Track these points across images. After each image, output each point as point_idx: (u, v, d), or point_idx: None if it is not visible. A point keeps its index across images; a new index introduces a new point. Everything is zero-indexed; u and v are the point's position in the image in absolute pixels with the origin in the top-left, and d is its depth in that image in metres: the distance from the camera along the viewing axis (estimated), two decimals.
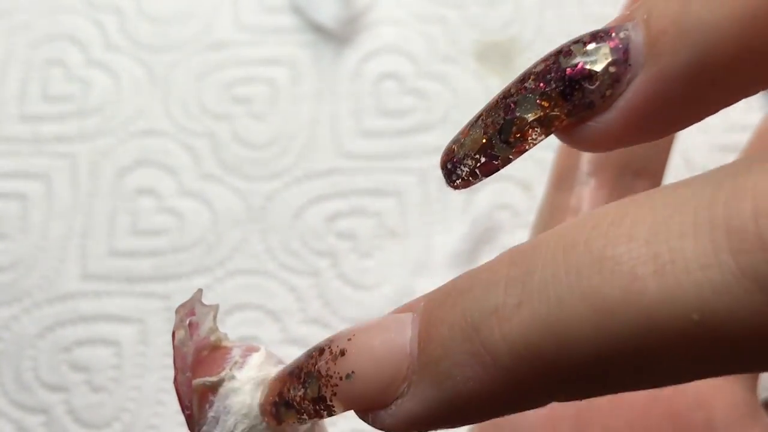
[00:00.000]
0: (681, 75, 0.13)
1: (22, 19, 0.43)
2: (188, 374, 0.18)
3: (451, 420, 0.15)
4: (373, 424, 0.15)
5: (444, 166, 0.16)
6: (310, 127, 0.40)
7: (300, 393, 0.16)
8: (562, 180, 0.27)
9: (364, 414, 0.15)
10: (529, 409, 0.14)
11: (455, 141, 0.16)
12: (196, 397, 0.18)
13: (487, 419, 0.15)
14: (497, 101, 0.15)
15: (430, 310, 0.15)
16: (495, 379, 0.13)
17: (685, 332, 0.12)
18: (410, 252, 0.36)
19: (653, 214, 0.12)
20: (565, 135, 0.15)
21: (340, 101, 0.40)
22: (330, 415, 0.16)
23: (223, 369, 0.18)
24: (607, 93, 0.14)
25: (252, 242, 0.37)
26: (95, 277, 0.37)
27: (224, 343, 0.18)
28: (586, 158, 0.26)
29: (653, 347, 0.12)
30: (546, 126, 0.15)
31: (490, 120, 0.15)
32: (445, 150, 0.16)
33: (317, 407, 0.16)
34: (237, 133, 0.40)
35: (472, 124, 0.15)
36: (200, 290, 0.19)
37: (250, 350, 0.19)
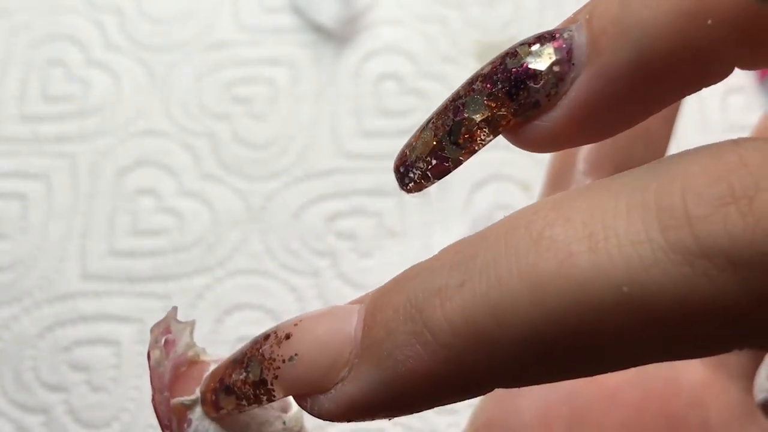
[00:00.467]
0: (622, 72, 0.14)
1: (22, 19, 0.43)
2: (166, 394, 0.18)
3: (390, 405, 0.15)
4: (311, 410, 0.15)
5: (397, 170, 0.16)
6: (310, 127, 0.40)
7: (241, 377, 0.16)
8: (558, 179, 0.27)
9: (303, 400, 0.15)
10: (469, 396, 0.14)
11: (407, 145, 0.16)
12: (175, 416, 0.18)
13: (428, 407, 0.15)
14: (447, 104, 0.15)
15: (377, 297, 0.15)
16: (435, 356, 0.13)
17: (615, 305, 0.12)
18: (410, 252, 0.36)
19: (591, 199, 0.13)
20: (513, 135, 0.15)
21: (340, 101, 0.40)
22: (270, 400, 0.16)
23: (200, 386, 0.18)
24: (552, 92, 0.14)
25: (252, 242, 0.37)
26: (95, 277, 0.37)
27: (202, 358, 0.18)
28: (582, 157, 0.26)
29: (585, 321, 0.12)
30: (493, 126, 0.15)
31: (440, 122, 0.15)
32: (398, 154, 0.16)
33: (257, 392, 0.16)
34: (237, 133, 0.40)
35: (423, 128, 0.16)
36: (175, 307, 0.19)
37: None
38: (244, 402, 0.16)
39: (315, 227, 0.37)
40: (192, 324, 0.18)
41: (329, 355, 0.15)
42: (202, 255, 0.37)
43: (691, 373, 0.25)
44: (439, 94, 0.40)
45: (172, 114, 0.40)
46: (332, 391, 0.15)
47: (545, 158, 0.27)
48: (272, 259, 0.37)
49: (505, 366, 0.13)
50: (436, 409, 0.36)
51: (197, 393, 0.18)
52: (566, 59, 0.14)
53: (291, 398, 0.19)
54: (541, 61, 0.14)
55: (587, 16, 0.14)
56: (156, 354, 0.18)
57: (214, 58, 0.41)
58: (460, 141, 0.15)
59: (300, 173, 0.39)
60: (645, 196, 0.12)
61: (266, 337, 0.16)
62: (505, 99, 0.14)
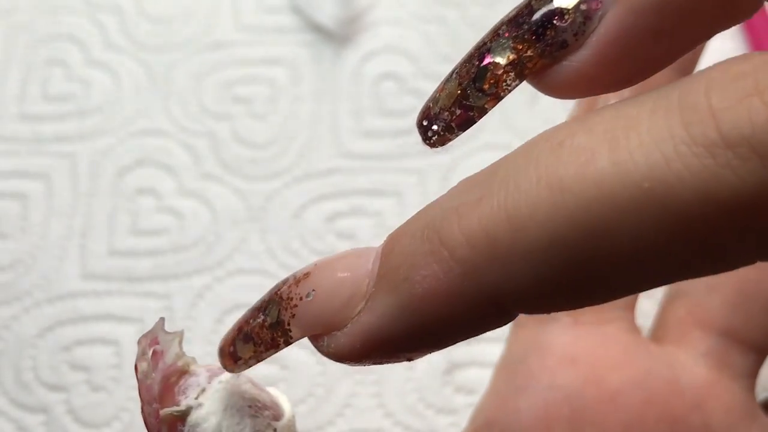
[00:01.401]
0: (651, 5, 0.13)
1: (22, 18, 0.43)
2: (155, 405, 0.18)
3: (409, 335, 0.14)
4: (327, 349, 0.15)
5: (420, 124, 0.15)
6: (310, 127, 0.40)
7: (259, 320, 0.16)
8: None
9: (320, 341, 0.15)
10: (491, 325, 0.14)
11: (431, 98, 0.15)
12: (165, 427, 0.18)
13: (449, 338, 0.14)
14: (472, 53, 0.15)
15: (396, 230, 0.15)
16: (451, 273, 0.13)
17: (636, 202, 0.12)
18: None
19: (614, 110, 0.13)
20: (540, 79, 0.15)
21: (340, 101, 0.40)
22: (287, 343, 0.16)
23: (188, 396, 0.18)
24: (580, 31, 0.14)
25: (252, 242, 0.37)
26: (95, 277, 0.37)
27: (193, 368, 0.18)
28: None
29: (606, 221, 0.12)
30: (520, 69, 0.14)
31: (464, 71, 0.15)
32: (422, 109, 0.15)
33: (275, 335, 0.16)
34: (237, 132, 0.40)
35: (447, 80, 0.15)
36: (162, 319, 0.19)
37: (217, 373, 0.18)
38: (261, 347, 0.16)
39: (315, 227, 0.37)
40: (180, 334, 0.18)
41: (346, 289, 0.15)
42: (202, 255, 0.37)
43: (693, 374, 0.25)
44: None
45: (172, 114, 0.40)
46: (348, 325, 0.14)
47: None
48: (272, 259, 0.37)
49: (523, 280, 0.13)
50: (436, 409, 0.36)
51: (187, 403, 0.18)
52: None
53: (284, 406, 0.19)
54: (570, 0, 0.14)
55: None
56: (143, 366, 0.18)
57: (214, 58, 0.41)
58: (486, 87, 0.15)
59: (300, 173, 0.39)
60: (669, 99, 0.12)
61: (285, 280, 0.16)
62: (532, 40, 0.14)
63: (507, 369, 0.27)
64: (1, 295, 0.36)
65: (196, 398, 0.18)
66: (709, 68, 0.12)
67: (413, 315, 0.14)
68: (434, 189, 0.38)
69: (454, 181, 0.42)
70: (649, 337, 0.28)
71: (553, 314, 0.26)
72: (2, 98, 0.41)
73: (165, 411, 0.18)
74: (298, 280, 0.15)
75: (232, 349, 0.17)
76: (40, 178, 0.39)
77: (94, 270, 0.37)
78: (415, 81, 0.40)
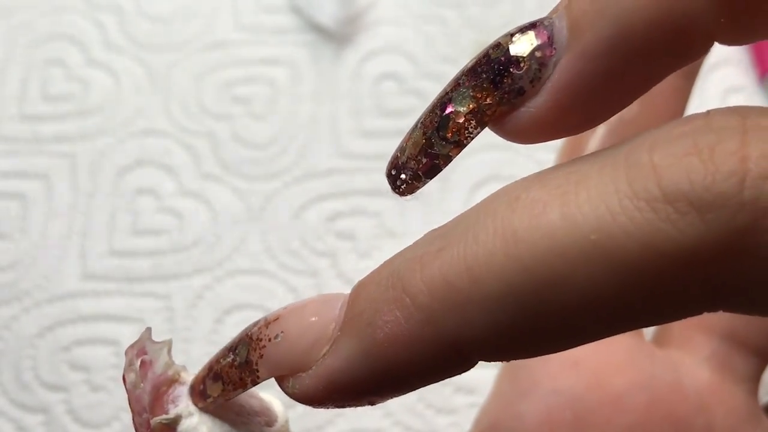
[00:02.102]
0: (602, 49, 0.14)
1: (22, 18, 0.43)
2: (145, 416, 0.18)
3: (371, 379, 0.14)
4: (292, 390, 0.15)
5: (389, 174, 0.16)
6: (309, 127, 0.40)
7: (229, 360, 0.16)
8: None
9: (286, 382, 0.15)
10: (454, 371, 0.14)
11: (398, 149, 0.16)
12: None
13: (411, 383, 0.15)
14: (434, 103, 0.16)
15: (363, 279, 0.15)
16: (412, 319, 0.14)
17: (584, 253, 0.12)
18: None
19: (568, 167, 0.13)
20: (499, 125, 0.15)
21: (339, 101, 0.40)
22: (254, 383, 0.16)
23: (179, 405, 0.18)
24: (536, 77, 0.14)
25: (251, 242, 0.37)
26: (95, 277, 0.37)
27: (183, 377, 0.18)
28: (592, 147, 0.26)
29: (556, 271, 0.12)
30: (480, 117, 0.15)
31: (428, 121, 0.16)
32: (390, 159, 0.16)
33: (242, 374, 0.16)
34: (237, 132, 0.40)
35: (413, 130, 0.16)
36: (148, 329, 0.19)
37: None
38: (229, 386, 0.16)
39: (315, 227, 0.37)
40: (169, 343, 0.18)
41: (313, 332, 0.15)
42: (202, 255, 0.37)
43: (696, 378, 0.25)
44: (438, 95, 0.40)
45: (172, 114, 0.40)
46: (314, 367, 0.15)
47: (546, 159, 0.27)
48: (272, 259, 0.37)
49: (481, 327, 0.13)
50: (436, 409, 0.36)
51: (177, 412, 0.18)
52: (547, 44, 0.14)
53: (277, 411, 0.19)
54: (523, 47, 0.14)
55: (566, 3, 0.14)
56: (131, 376, 0.18)
57: (213, 58, 0.41)
58: (449, 135, 0.15)
59: (300, 173, 0.39)
60: (617, 156, 0.13)
61: (256, 323, 0.16)
62: (490, 88, 0.15)
63: (510, 373, 0.27)
64: (1, 295, 0.36)
65: (187, 406, 0.18)
66: (655, 129, 0.13)
67: (375, 360, 0.14)
68: (434, 189, 0.38)
69: (454, 181, 0.42)
70: (652, 341, 0.28)
71: None
72: (2, 98, 0.41)
73: (155, 420, 0.17)
74: (268, 322, 0.16)
75: (202, 387, 0.17)
76: (40, 178, 0.39)
77: (94, 270, 0.37)
78: (415, 81, 0.40)
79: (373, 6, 0.42)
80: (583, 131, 0.15)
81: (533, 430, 0.25)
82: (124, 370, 0.18)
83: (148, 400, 0.18)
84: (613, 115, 0.15)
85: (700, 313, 0.13)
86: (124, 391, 0.18)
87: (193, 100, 0.40)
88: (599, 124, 0.15)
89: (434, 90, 0.40)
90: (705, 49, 0.14)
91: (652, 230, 0.12)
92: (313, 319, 0.15)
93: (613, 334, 0.13)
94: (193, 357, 0.35)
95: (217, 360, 0.17)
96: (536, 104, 0.15)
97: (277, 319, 0.16)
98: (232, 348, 0.17)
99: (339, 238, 0.37)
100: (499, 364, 0.28)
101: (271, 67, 0.41)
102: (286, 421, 0.19)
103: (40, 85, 0.41)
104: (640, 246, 0.12)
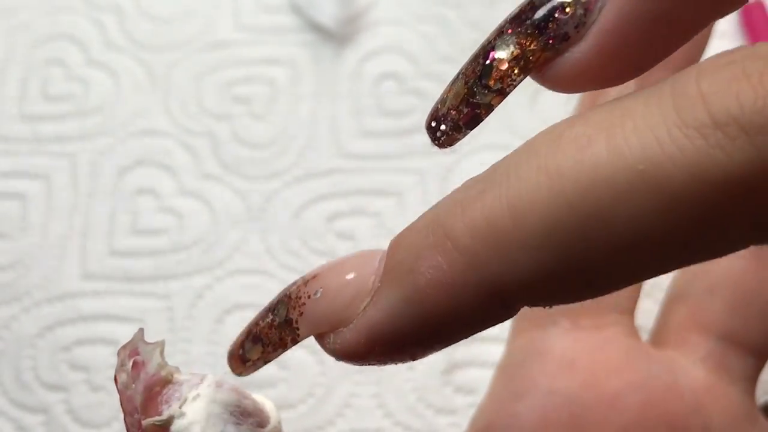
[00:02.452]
0: None
1: (21, 18, 0.43)
2: (137, 416, 0.18)
3: (414, 329, 0.14)
4: (333, 347, 0.15)
5: (428, 126, 0.16)
6: (309, 127, 0.40)
7: (268, 320, 0.16)
8: None
9: (326, 339, 0.15)
10: (497, 318, 0.14)
11: (439, 100, 0.16)
12: None
13: (455, 333, 0.14)
14: (477, 52, 0.15)
15: (403, 230, 0.15)
16: (454, 263, 0.13)
17: (631, 184, 0.12)
18: None
19: (611, 104, 0.13)
20: (542, 73, 0.15)
21: (340, 101, 0.40)
22: (294, 342, 0.16)
23: (171, 405, 0.18)
24: (581, 22, 0.14)
25: (252, 242, 0.37)
26: (95, 277, 0.37)
27: (176, 377, 0.18)
28: None
29: (603, 204, 0.12)
30: (524, 63, 0.15)
31: (470, 70, 0.15)
32: (430, 111, 0.16)
33: (283, 333, 0.16)
34: (237, 132, 0.40)
35: (454, 80, 0.16)
36: (141, 329, 0.19)
37: (200, 381, 0.18)
38: (270, 347, 0.16)
39: (315, 227, 0.37)
40: (161, 344, 0.18)
41: (352, 286, 0.15)
42: (202, 255, 0.37)
43: (692, 378, 0.25)
44: (439, 94, 0.40)
45: (172, 113, 0.40)
46: (354, 321, 0.15)
47: None
48: (272, 259, 0.37)
49: (525, 268, 0.13)
50: (436, 409, 0.36)
51: (169, 413, 0.18)
52: None
53: (269, 412, 0.19)
54: None
55: None
56: (123, 377, 0.18)
57: (213, 58, 0.41)
58: (491, 83, 0.15)
59: (300, 173, 0.39)
60: (662, 89, 0.12)
61: (294, 282, 0.16)
62: (535, 34, 0.14)
63: (506, 373, 0.27)
64: (1, 295, 0.36)
65: (180, 407, 0.18)
66: (700, 62, 0.13)
67: (417, 307, 0.14)
68: (434, 189, 0.38)
69: (454, 181, 0.42)
70: (648, 341, 0.28)
71: (552, 318, 0.26)
72: (2, 98, 0.41)
73: (147, 421, 0.17)
74: (306, 280, 0.16)
75: (241, 351, 0.17)
76: (40, 178, 0.39)
77: (94, 270, 0.37)
78: (415, 81, 0.40)
79: (373, 6, 0.42)
80: (627, 80, 0.15)
81: (529, 430, 0.25)
82: (116, 370, 0.18)
83: (141, 400, 0.18)
84: (657, 62, 0.15)
85: (747, 245, 0.13)
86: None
87: (194, 100, 0.40)
88: (644, 72, 0.15)
89: (434, 90, 0.40)
90: None
91: (701, 158, 0.12)
92: (353, 273, 0.15)
93: (657, 273, 0.13)
94: (193, 357, 0.35)
95: (255, 322, 0.17)
96: (581, 49, 0.14)
97: (316, 276, 0.16)
98: (271, 309, 0.16)
99: (339, 238, 0.37)
100: (497, 364, 0.28)
101: (271, 67, 0.41)
102: (279, 422, 0.19)
103: (39, 85, 0.41)
104: (689, 175, 0.12)
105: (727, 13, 0.14)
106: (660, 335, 0.27)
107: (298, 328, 0.16)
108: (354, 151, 0.39)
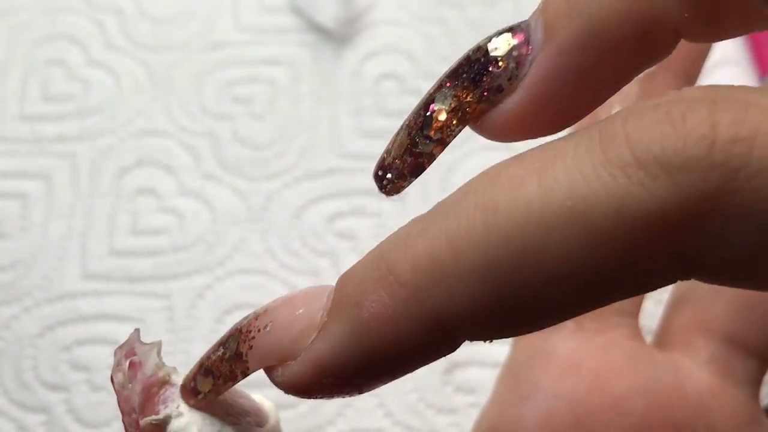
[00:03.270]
0: (574, 45, 0.15)
1: (22, 19, 0.43)
2: (134, 416, 0.18)
3: (358, 362, 0.15)
4: (281, 379, 0.16)
5: (376, 175, 0.17)
6: (310, 127, 0.40)
7: (219, 354, 0.17)
8: None
9: (275, 372, 0.16)
10: (440, 352, 0.14)
11: (385, 150, 0.17)
12: None
13: (399, 368, 0.15)
14: (419, 105, 0.16)
15: (350, 268, 0.15)
16: (396, 297, 0.14)
17: (560, 219, 0.13)
18: None
19: (545, 146, 0.14)
20: (480, 123, 0.16)
21: (340, 101, 0.40)
22: (243, 375, 0.16)
23: (168, 405, 0.18)
24: (513, 75, 0.15)
25: (252, 242, 0.37)
26: (95, 277, 0.37)
27: (173, 378, 0.18)
28: None
29: (533, 239, 0.13)
30: (462, 114, 0.16)
31: (413, 122, 0.16)
32: (377, 161, 0.17)
33: (233, 366, 0.16)
34: (237, 133, 0.40)
35: (398, 132, 0.16)
36: (137, 330, 0.19)
37: None
38: (220, 380, 0.17)
39: (315, 227, 0.37)
40: (158, 345, 0.18)
41: (301, 320, 0.15)
42: (203, 254, 0.37)
43: (696, 381, 0.25)
44: None
45: (172, 114, 0.40)
46: (302, 353, 0.15)
47: None
48: (272, 259, 0.37)
49: (463, 301, 0.13)
50: (436, 408, 0.36)
51: (166, 412, 0.18)
52: (524, 43, 0.15)
53: (268, 411, 0.19)
54: (501, 47, 0.15)
55: (542, 6, 0.15)
56: (119, 377, 0.18)
57: (214, 58, 0.41)
58: (432, 133, 0.16)
59: (300, 173, 0.39)
60: (592, 132, 0.13)
61: (246, 317, 0.17)
62: (471, 87, 0.16)
63: (510, 376, 0.27)
64: (2, 295, 0.36)
65: (177, 407, 0.18)
66: (628, 106, 0.13)
67: (362, 339, 0.14)
68: (434, 189, 0.38)
69: (454, 181, 0.42)
70: (653, 344, 0.28)
71: None
72: (3, 98, 0.41)
73: (144, 420, 0.18)
74: (257, 315, 0.16)
75: (193, 384, 0.18)
76: (41, 178, 0.39)
77: (95, 270, 0.37)
78: (415, 81, 0.40)
79: (374, 6, 0.42)
80: (559, 129, 0.16)
81: None
82: (112, 370, 0.18)
83: (138, 400, 0.18)
84: (587, 113, 0.16)
85: (673, 281, 0.13)
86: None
87: (194, 100, 0.40)
88: (576, 120, 0.16)
89: None
90: (672, 45, 0.15)
91: (624, 195, 0.12)
92: (302, 309, 0.16)
93: (592, 308, 0.14)
94: (193, 357, 0.35)
95: (207, 356, 0.17)
96: (514, 100, 0.15)
97: (266, 311, 0.16)
98: (223, 343, 0.17)
99: (339, 238, 0.37)
100: (500, 363, 0.28)
101: (272, 67, 0.41)
102: (277, 422, 0.19)
103: (40, 85, 0.41)
104: (613, 210, 0.12)
105: (650, 65, 0.15)
106: (664, 338, 0.27)
107: (247, 362, 0.16)
108: (354, 151, 0.39)
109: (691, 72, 0.26)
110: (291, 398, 0.37)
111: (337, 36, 0.41)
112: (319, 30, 0.41)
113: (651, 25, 0.14)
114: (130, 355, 0.18)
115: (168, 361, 0.19)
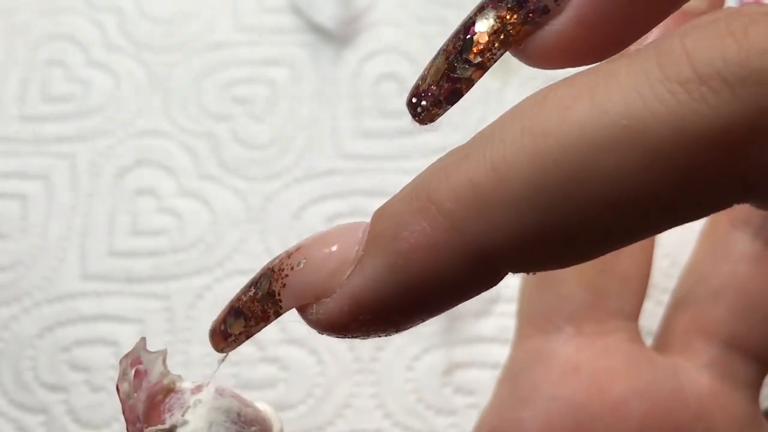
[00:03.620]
0: None
1: (22, 19, 0.43)
2: (139, 425, 0.18)
3: (397, 296, 0.14)
4: (315, 318, 0.15)
5: (409, 102, 0.16)
6: (309, 128, 0.40)
7: (251, 294, 0.16)
8: None
9: (309, 310, 0.15)
10: (483, 285, 0.14)
11: (420, 77, 0.16)
12: None
13: (440, 302, 0.14)
14: (458, 28, 0.15)
15: (386, 201, 0.15)
16: (437, 227, 0.13)
17: (615, 140, 0.12)
18: None
19: (595, 68, 0.13)
20: (523, 47, 0.15)
21: (339, 102, 0.40)
22: (276, 314, 0.16)
23: (173, 414, 0.18)
24: None
25: (251, 242, 0.37)
26: (95, 277, 0.37)
27: (178, 385, 0.18)
28: None
29: (586, 162, 0.12)
30: (504, 37, 0.15)
31: (451, 46, 0.15)
32: (412, 88, 0.16)
33: (265, 306, 0.16)
34: (237, 133, 0.40)
35: (435, 57, 0.16)
36: (143, 339, 0.18)
37: (199, 389, 0.18)
38: (252, 321, 0.16)
39: (315, 227, 0.37)
40: (164, 353, 0.18)
41: (336, 256, 0.15)
42: (202, 255, 0.37)
43: (696, 384, 0.25)
44: None
45: (172, 114, 0.40)
46: (337, 290, 0.14)
47: None
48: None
49: (509, 230, 0.13)
50: (436, 409, 0.36)
51: (171, 421, 0.18)
52: None
53: (272, 420, 0.19)
54: None
55: None
56: (125, 386, 0.18)
57: (213, 59, 0.41)
58: (472, 57, 0.15)
59: (300, 173, 0.39)
60: (646, 50, 0.12)
61: (278, 256, 0.16)
62: (515, 8, 0.15)
63: (510, 379, 0.27)
64: (1, 296, 0.36)
65: (182, 415, 0.18)
66: (686, 24, 0.13)
67: (401, 273, 0.14)
68: None
69: None
70: (652, 346, 0.27)
71: (556, 325, 0.26)
72: (2, 99, 0.41)
73: (150, 429, 0.17)
74: (289, 253, 0.16)
75: (223, 327, 0.17)
76: (40, 179, 0.39)
77: (94, 270, 0.37)
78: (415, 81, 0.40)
79: (373, 7, 0.42)
80: (607, 56, 0.15)
81: None
82: (118, 380, 0.18)
83: (143, 408, 0.18)
84: (637, 37, 0.15)
85: (730, 204, 0.12)
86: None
87: (193, 101, 0.40)
88: (624, 47, 0.15)
89: None
90: None
91: (685, 112, 0.12)
92: (336, 245, 0.15)
93: (643, 236, 0.13)
94: (193, 357, 0.35)
95: (238, 297, 0.16)
96: (561, 22, 0.14)
97: (299, 248, 0.16)
98: (254, 283, 0.16)
99: None
100: (500, 364, 0.28)
101: (271, 68, 0.41)
102: (281, 430, 0.19)
103: (40, 85, 0.41)
104: (673, 129, 0.12)
105: None
106: (664, 341, 0.27)
107: (280, 300, 0.15)
108: (354, 151, 0.39)
109: None
110: (290, 399, 0.37)
111: (336, 36, 0.41)
112: (318, 30, 0.41)
113: None
114: (136, 363, 0.18)
115: (167, 361, 0.19)
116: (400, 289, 0.14)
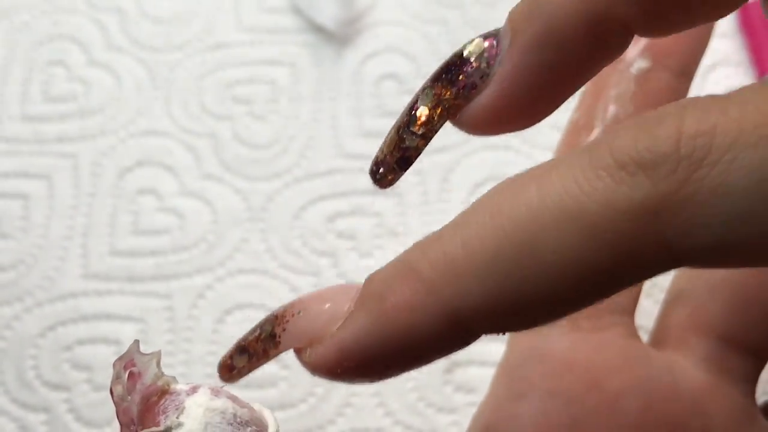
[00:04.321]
0: (534, 44, 0.17)
1: (23, 19, 0.43)
2: (133, 428, 0.18)
3: (378, 348, 0.16)
4: (308, 359, 0.18)
5: (371, 171, 0.19)
6: (310, 128, 0.40)
7: (255, 334, 0.19)
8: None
9: (303, 352, 0.18)
10: (458, 344, 0.16)
11: (379, 149, 0.19)
12: None
13: (418, 356, 0.16)
14: (407, 107, 0.18)
15: (378, 269, 0.17)
16: (415, 289, 0.16)
17: (554, 217, 0.15)
18: None
19: (544, 163, 0.16)
20: (457, 118, 0.18)
21: (340, 101, 0.40)
22: (275, 354, 0.19)
23: (168, 416, 0.18)
24: (485, 73, 0.17)
25: (253, 242, 0.37)
26: (96, 277, 0.37)
27: (173, 387, 0.18)
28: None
29: (532, 234, 0.15)
30: (441, 111, 0.18)
31: (400, 122, 0.19)
32: (373, 159, 0.19)
33: (267, 345, 0.19)
34: (238, 133, 0.40)
35: (389, 132, 0.19)
36: (137, 341, 0.19)
37: (194, 391, 0.18)
38: (254, 358, 0.19)
39: (315, 227, 0.37)
40: (158, 354, 0.18)
41: (330, 310, 0.17)
42: (203, 254, 0.37)
43: (692, 379, 0.25)
44: None
45: (173, 114, 0.40)
46: (327, 338, 0.17)
47: (545, 158, 0.27)
48: (273, 259, 0.37)
49: (475, 295, 0.15)
50: (436, 408, 0.36)
51: (166, 423, 0.18)
52: (494, 45, 0.17)
53: (268, 420, 0.19)
54: (474, 50, 0.18)
55: (509, 13, 0.17)
56: (118, 389, 0.18)
57: (214, 58, 0.42)
58: (416, 129, 0.18)
59: (301, 173, 0.39)
60: (582, 147, 0.15)
61: (283, 306, 0.19)
62: (448, 86, 0.18)
63: (506, 375, 0.27)
64: (3, 295, 0.36)
65: (177, 417, 0.18)
66: (616, 125, 0.16)
67: (382, 327, 0.16)
68: (434, 189, 0.38)
69: (454, 182, 0.42)
70: (648, 342, 0.28)
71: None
72: (4, 99, 0.41)
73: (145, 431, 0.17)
74: (292, 305, 0.19)
75: (230, 361, 0.20)
76: (42, 179, 0.39)
77: (96, 270, 0.37)
78: (415, 81, 0.40)
79: (374, 7, 0.42)
80: (531, 124, 0.18)
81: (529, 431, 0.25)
82: (111, 382, 0.18)
83: (138, 411, 0.18)
84: (555, 107, 0.18)
85: (666, 269, 0.15)
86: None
87: (195, 101, 0.40)
88: (545, 116, 0.18)
89: None
90: (625, 40, 0.17)
91: (609, 192, 0.14)
92: (331, 301, 0.18)
93: (594, 300, 0.15)
94: (194, 356, 0.35)
95: (244, 338, 0.20)
96: (486, 94, 0.17)
97: (300, 301, 0.18)
98: (260, 326, 0.19)
99: (340, 238, 0.37)
100: (499, 361, 0.28)
101: (272, 68, 0.41)
102: (277, 431, 0.19)
103: (41, 85, 0.41)
104: (601, 206, 0.14)
105: (609, 61, 0.17)
106: (660, 336, 0.27)
107: (280, 342, 0.18)
108: (354, 151, 0.39)
109: (687, 70, 0.27)
110: (292, 398, 0.37)
111: (337, 36, 0.41)
112: (319, 30, 0.42)
113: (601, 21, 0.16)
114: (130, 366, 0.18)
115: (169, 360, 0.19)
116: (380, 342, 0.16)
